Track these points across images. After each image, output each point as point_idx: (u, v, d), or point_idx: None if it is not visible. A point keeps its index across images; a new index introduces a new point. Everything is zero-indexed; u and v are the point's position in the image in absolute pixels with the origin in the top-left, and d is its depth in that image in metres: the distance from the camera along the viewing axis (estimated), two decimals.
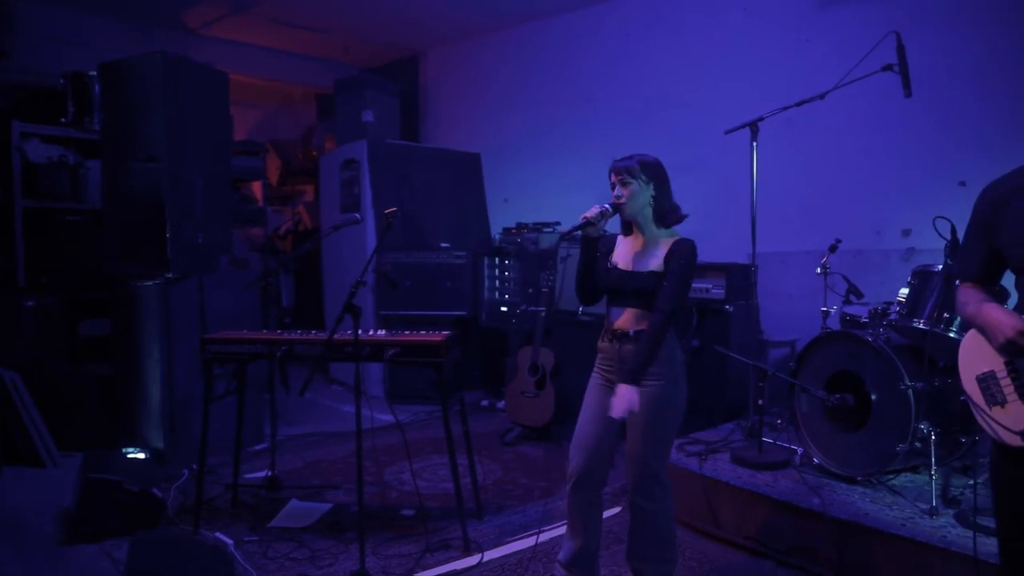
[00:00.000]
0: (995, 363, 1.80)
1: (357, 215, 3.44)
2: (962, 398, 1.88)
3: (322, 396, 5.99)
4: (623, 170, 2.44)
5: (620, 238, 2.60)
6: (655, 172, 2.46)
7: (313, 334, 3.23)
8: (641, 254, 2.50)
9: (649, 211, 2.47)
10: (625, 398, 2.32)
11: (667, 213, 2.48)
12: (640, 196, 2.44)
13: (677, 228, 2.55)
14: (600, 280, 2.55)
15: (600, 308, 2.64)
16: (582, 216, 2.44)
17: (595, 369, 2.60)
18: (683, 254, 2.41)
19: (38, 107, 5.07)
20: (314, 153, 7.30)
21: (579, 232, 2.46)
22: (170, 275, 3.97)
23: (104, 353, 4.68)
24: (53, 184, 5.00)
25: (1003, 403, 1.77)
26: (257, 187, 6.77)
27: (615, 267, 2.52)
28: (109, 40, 5.84)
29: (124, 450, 4.05)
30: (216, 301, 4.30)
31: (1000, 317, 1.74)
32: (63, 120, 4.91)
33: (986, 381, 1.82)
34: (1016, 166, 1.89)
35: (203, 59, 5.20)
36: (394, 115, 6.58)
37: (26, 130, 4.98)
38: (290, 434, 4.85)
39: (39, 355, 4.59)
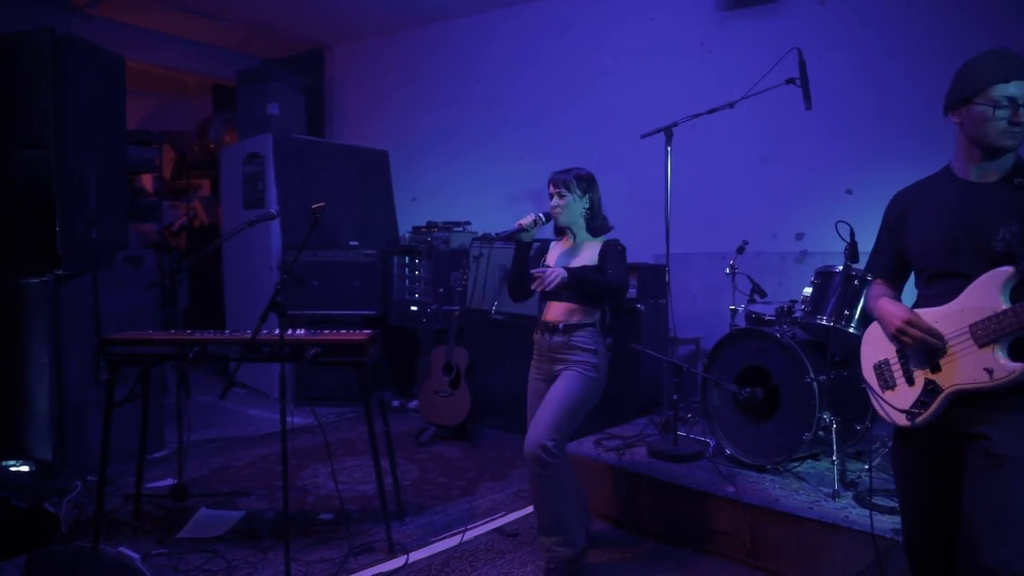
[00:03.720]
0: (889, 351, 2.01)
1: (272, 210, 3.33)
2: (862, 385, 2.08)
3: (223, 399, 5.71)
4: (560, 183, 2.73)
5: (553, 242, 2.93)
6: (589, 185, 2.77)
7: (227, 334, 3.08)
8: (570, 252, 2.82)
9: (582, 220, 2.78)
10: (556, 273, 2.54)
11: (598, 226, 2.80)
12: (574, 207, 2.74)
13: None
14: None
15: (514, 308, 2.83)
16: (517, 223, 2.69)
17: (532, 364, 2.85)
18: (617, 251, 2.75)
19: None
20: (211, 146, 6.95)
21: (513, 236, 2.72)
22: (60, 272, 3.68)
23: None
24: None
25: (893, 387, 1.99)
26: (148, 180, 6.37)
27: (547, 266, 2.76)
28: None
29: (5, 463, 3.70)
30: (109, 301, 4.02)
31: (892, 310, 1.96)
32: None
33: (880, 368, 2.03)
34: (894, 177, 2.12)
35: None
36: (300, 109, 6.36)
37: None
38: (192, 440, 4.56)
39: None
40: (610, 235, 2.84)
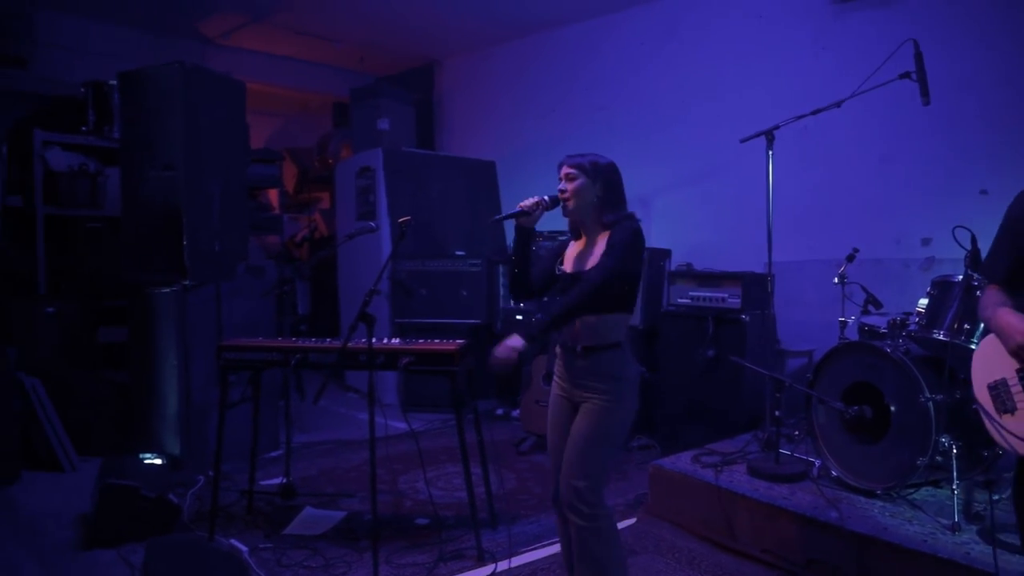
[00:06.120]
0: (1007, 371, 1.81)
1: (372, 223, 3.45)
2: (973, 406, 1.88)
3: (337, 404, 6.01)
4: (573, 165, 2.36)
5: (571, 243, 2.50)
6: (605, 173, 2.36)
7: (328, 342, 3.24)
8: (583, 255, 2.40)
9: (593, 211, 2.36)
10: (506, 347, 2.30)
11: (612, 214, 2.35)
12: (585, 194, 2.33)
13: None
14: (554, 286, 2.47)
15: None
16: (519, 204, 2.36)
17: (555, 378, 2.51)
18: (623, 229, 2.29)
19: (59, 116, 5.15)
20: (330, 161, 7.35)
21: (514, 219, 2.38)
22: (187, 282, 4.00)
23: (122, 359, 4.73)
24: (73, 192, 5.07)
25: (1013, 410, 1.79)
26: (274, 195, 6.82)
27: (563, 272, 2.43)
28: (129, 50, 5.93)
29: (141, 456, 4.07)
30: (232, 309, 4.33)
31: (1013, 322, 1.77)
32: (83, 128, 4.97)
33: (997, 389, 1.83)
34: None
35: (221, 68, 5.25)
36: (410, 123, 6.60)
37: (48, 138, 5.07)
38: (305, 441, 4.87)
39: (59, 361, 4.65)
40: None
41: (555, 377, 2.49)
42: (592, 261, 2.33)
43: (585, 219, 2.39)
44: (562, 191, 2.37)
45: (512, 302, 4.60)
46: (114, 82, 4.82)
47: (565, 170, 2.38)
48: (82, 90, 5.00)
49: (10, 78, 5.25)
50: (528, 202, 2.35)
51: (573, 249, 2.47)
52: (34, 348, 4.52)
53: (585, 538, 2.29)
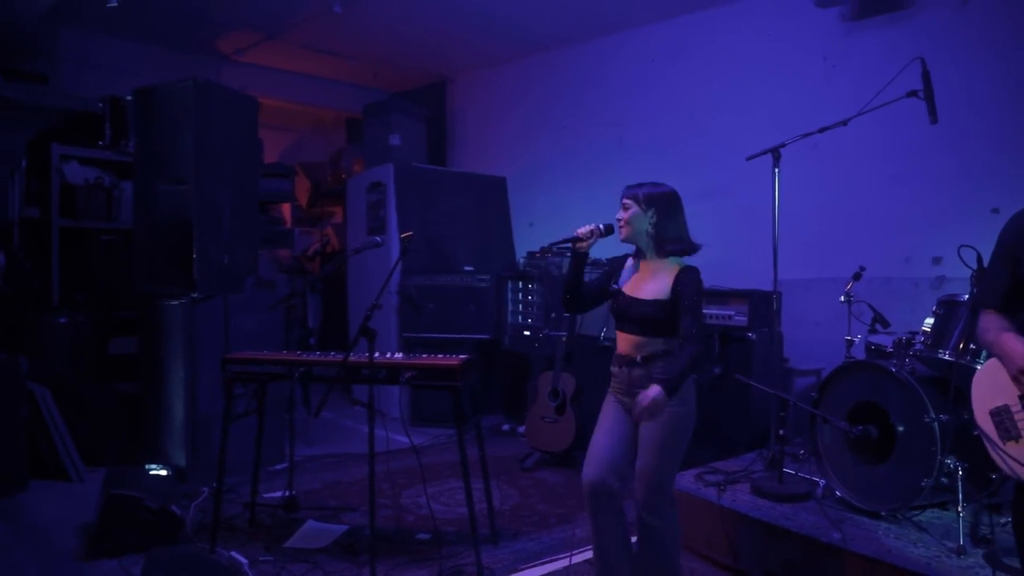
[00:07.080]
0: (1009, 397, 1.79)
1: (378, 238, 3.46)
2: (975, 432, 1.86)
3: (344, 417, 6.02)
4: (628, 196, 2.56)
5: (630, 260, 2.67)
6: (660, 201, 2.53)
7: (332, 356, 3.25)
8: (644, 281, 2.56)
9: (648, 238, 2.54)
10: (649, 397, 2.33)
11: (667, 242, 2.53)
12: (637, 222, 2.53)
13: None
14: (610, 304, 2.64)
15: None
16: (575, 231, 2.54)
17: (610, 390, 2.69)
18: (690, 284, 2.46)
19: (78, 130, 5.24)
20: (343, 176, 7.42)
21: (568, 245, 2.57)
22: (195, 295, 4.05)
23: (132, 370, 4.77)
24: (89, 205, 5.15)
25: (1017, 438, 1.77)
26: (287, 209, 6.89)
27: (620, 292, 2.59)
28: (147, 66, 6.02)
29: (147, 467, 4.09)
30: (241, 321, 4.36)
31: (1017, 347, 1.75)
32: (100, 143, 5.06)
33: (1000, 415, 1.81)
34: None
35: (237, 84, 5.32)
36: (421, 139, 6.65)
37: (65, 152, 5.16)
38: (310, 454, 4.88)
39: (70, 372, 4.70)
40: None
41: (612, 390, 2.67)
42: (656, 291, 2.49)
43: (640, 244, 2.58)
44: (619, 219, 2.56)
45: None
46: (131, 97, 4.92)
47: (623, 200, 2.57)
48: (100, 105, 5.09)
49: (32, 93, 5.36)
50: (583, 230, 2.54)
51: (631, 270, 2.64)
52: (45, 358, 4.57)
53: (664, 539, 2.53)
